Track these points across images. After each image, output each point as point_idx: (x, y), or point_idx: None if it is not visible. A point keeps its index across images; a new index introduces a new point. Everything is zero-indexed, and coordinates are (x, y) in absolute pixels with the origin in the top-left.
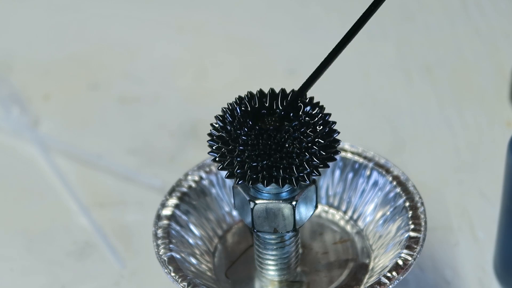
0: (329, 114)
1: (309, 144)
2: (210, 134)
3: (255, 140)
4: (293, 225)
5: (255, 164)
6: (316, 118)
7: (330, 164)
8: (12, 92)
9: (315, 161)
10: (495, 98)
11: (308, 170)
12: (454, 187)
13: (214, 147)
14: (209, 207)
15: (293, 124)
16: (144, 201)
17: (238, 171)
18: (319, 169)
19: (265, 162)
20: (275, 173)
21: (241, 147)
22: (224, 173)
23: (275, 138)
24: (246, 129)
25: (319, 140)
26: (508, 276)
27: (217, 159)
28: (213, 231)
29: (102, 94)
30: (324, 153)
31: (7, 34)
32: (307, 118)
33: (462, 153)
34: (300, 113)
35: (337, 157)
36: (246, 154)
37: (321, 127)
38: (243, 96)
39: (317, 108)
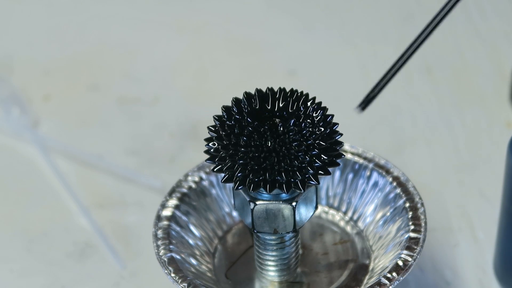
0: (332, 115)
1: (310, 146)
2: (208, 139)
3: (248, 141)
4: (293, 226)
5: (249, 167)
6: (317, 119)
7: (331, 169)
8: (12, 92)
9: (314, 167)
10: (495, 98)
11: (300, 177)
12: (454, 188)
13: (211, 150)
14: (209, 208)
15: (292, 125)
16: (144, 201)
17: (239, 174)
18: (318, 177)
19: (260, 165)
20: (273, 178)
21: (236, 148)
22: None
23: (267, 139)
24: (240, 129)
25: (320, 142)
26: (508, 277)
27: (217, 162)
28: (213, 232)
29: (102, 95)
30: (325, 157)
31: (7, 34)
32: (308, 120)
33: (462, 154)
34: (302, 114)
35: (339, 161)
36: (239, 155)
37: (322, 128)
38: (244, 95)
39: (319, 110)
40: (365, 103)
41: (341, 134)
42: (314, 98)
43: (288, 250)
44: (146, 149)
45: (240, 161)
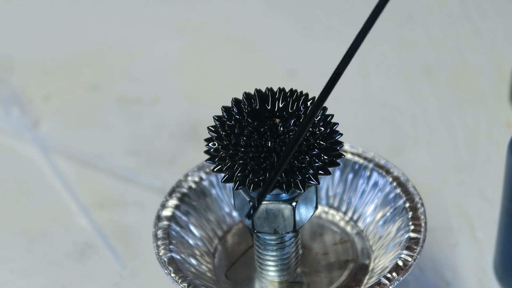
0: (332, 115)
1: (310, 146)
2: (208, 139)
3: (248, 141)
4: (293, 226)
5: (249, 167)
6: (317, 119)
7: (331, 169)
8: (12, 92)
9: (314, 167)
10: (495, 98)
11: (300, 177)
12: (454, 188)
13: (212, 150)
14: (209, 208)
15: (292, 125)
16: (144, 201)
17: (239, 174)
18: (318, 177)
19: (260, 165)
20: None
21: (236, 148)
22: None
23: (267, 139)
24: (240, 129)
25: (320, 142)
26: (508, 277)
27: (216, 162)
28: (213, 232)
29: (102, 95)
30: (325, 157)
31: (7, 34)
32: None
33: (462, 154)
34: (302, 114)
35: (339, 161)
36: (239, 156)
37: (322, 128)
38: (244, 95)
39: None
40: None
41: (341, 134)
42: (314, 98)
43: (288, 250)
44: (146, 149)
45: (240, 161)
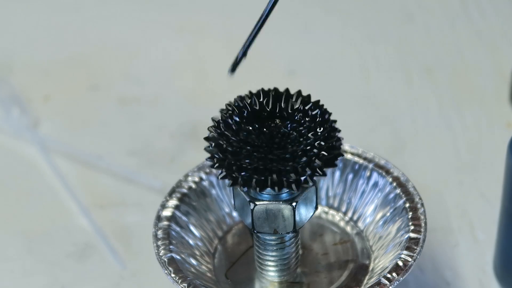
0: (330, 114)
1: (309, 147)
2: (207, 138)
3: (247, 142)
4: (293, 226)
5: (249, 167)
6: (316, 119)
7: (330, 170)
8: (12, 93)
9: (314, 166)
10: (495, 99)
11: (298, 178)
12: (454, 188)
13: (213, 153)
14: (209, 208)
15: (291, 125)
16: (144, 202)
17: (238, 174)
18: (314, 178)
19: (259, 165)
20: (271, 178)
21: (233, 149)
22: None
23: (266, 140)
24: (239, 130)
25: (320, 142)
26: (508, 277)
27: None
28: (213, 232)
29: (102, 95)
30: (324, 157)
31: (7, 34)
32: (307, 120)
33: (462, 154)
34: (301, 114)
35: (339, 160)
36: (238, 156)
37: (322, 128)
38: (243, 96)
39: (318, 110)
40: (234, 66)
41: (339, 131)
42: (313, 99)
43: (288, 251)
44: (146, 149)
45: (239, 162)
